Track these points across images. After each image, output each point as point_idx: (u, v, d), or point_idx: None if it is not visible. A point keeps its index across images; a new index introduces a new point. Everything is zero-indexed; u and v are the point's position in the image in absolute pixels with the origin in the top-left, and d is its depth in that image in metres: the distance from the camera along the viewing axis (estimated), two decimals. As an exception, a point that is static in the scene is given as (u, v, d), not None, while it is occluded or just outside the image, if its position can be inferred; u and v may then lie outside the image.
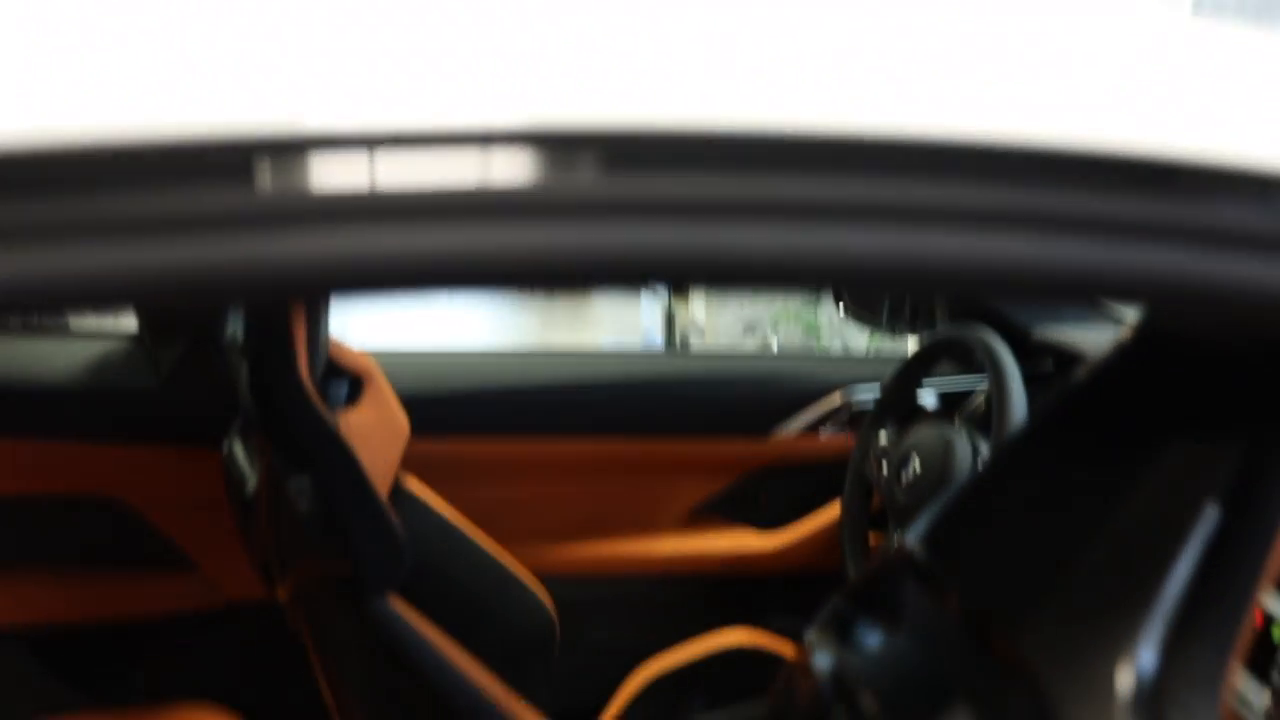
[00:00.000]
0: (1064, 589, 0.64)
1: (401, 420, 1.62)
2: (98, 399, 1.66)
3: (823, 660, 0.83)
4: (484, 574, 1.64)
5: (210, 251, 0.44)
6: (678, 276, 0.46)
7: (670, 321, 6.94)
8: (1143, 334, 0.71)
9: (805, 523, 2.06)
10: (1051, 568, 0.65)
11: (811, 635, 0.90)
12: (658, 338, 7.17)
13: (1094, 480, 0.67)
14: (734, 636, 1.97)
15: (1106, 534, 0.64)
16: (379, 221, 0.44)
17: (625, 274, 0.46)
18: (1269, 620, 1.25)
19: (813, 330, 6.16)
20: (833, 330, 6.08)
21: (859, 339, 5.80)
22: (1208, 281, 0.50)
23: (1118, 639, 0.60)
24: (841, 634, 0.89)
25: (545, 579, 1.76)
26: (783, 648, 1.98)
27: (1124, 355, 0.71)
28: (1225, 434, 0.61)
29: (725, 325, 6.48)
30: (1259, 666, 1.23)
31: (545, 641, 1.71)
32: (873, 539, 1.90)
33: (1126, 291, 0.52)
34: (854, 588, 0.90)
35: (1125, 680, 0.58)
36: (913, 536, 0.80)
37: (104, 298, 0.47)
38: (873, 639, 0.87)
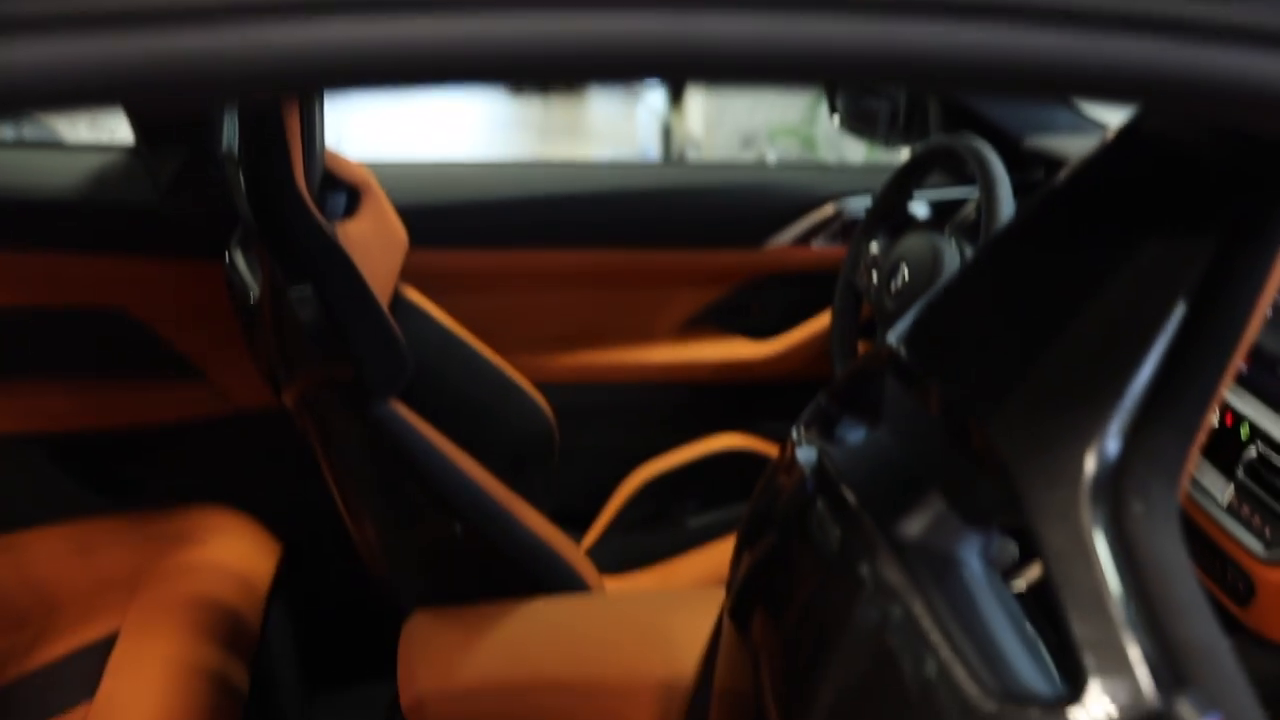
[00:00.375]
0: (1035, 381, 0.67)
1: (400, 231, 1.63)
2: (99, 211, 1.66)
3: (806, 455, 0.87)
4: (485, 381, 1.68)
5: (194, 42, 0.45)
6: (658, 69, 0.48)
7: (667, 135, 6.86)
8: (1124, 136, 0.72)
9: (796, 331, 2.10)
10: (1024, 361, 0.68)
11: (795, 432, 0.94)
12: (654, 151, 7.11)
13: (1069, 277, 0.70)
14: (726, 440, 2.04)
15: (1078, 328, 0.67)
16: (367, 12, 0.45)
17: (613, 66, 0.47)
18: (1238, 419, 1.30)
19: (809, 144, 6.10)
20: (829, 144, 6.02)
21: (855, 152, 5.75)
22: (1189, 75, 0.52)
23: (1084, 428, 0.63)
24: (824, 431, 0.94)
25: (543, 387, 1.81)
26: (773, 451, 2.05)
27: (1104, 157, 0.73)
28: (1196, 236, 0.64)
29: (722, 139, 6.41)
30: (1225, 463, 1.30)
31: (544, 447, 1.77)
32: (861, 347, 1.95)
33: (1106, 86, 0.54)
34: (837, 387, 0.94)
35: (1089, 465, 0.62)
36: (894, 336, 0.83)
37: (90, 95, 0.47)
38: (854, 435, 0.91)
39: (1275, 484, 1.21)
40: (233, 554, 1.69)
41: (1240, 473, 1.29)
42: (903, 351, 0.80)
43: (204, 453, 1.83)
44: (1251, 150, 0.63)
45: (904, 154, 2.15)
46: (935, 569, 0.71)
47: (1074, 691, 0.59)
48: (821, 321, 2.07)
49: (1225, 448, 1.30)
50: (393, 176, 1.73)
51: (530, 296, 1.98)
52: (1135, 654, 0.58)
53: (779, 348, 2.10)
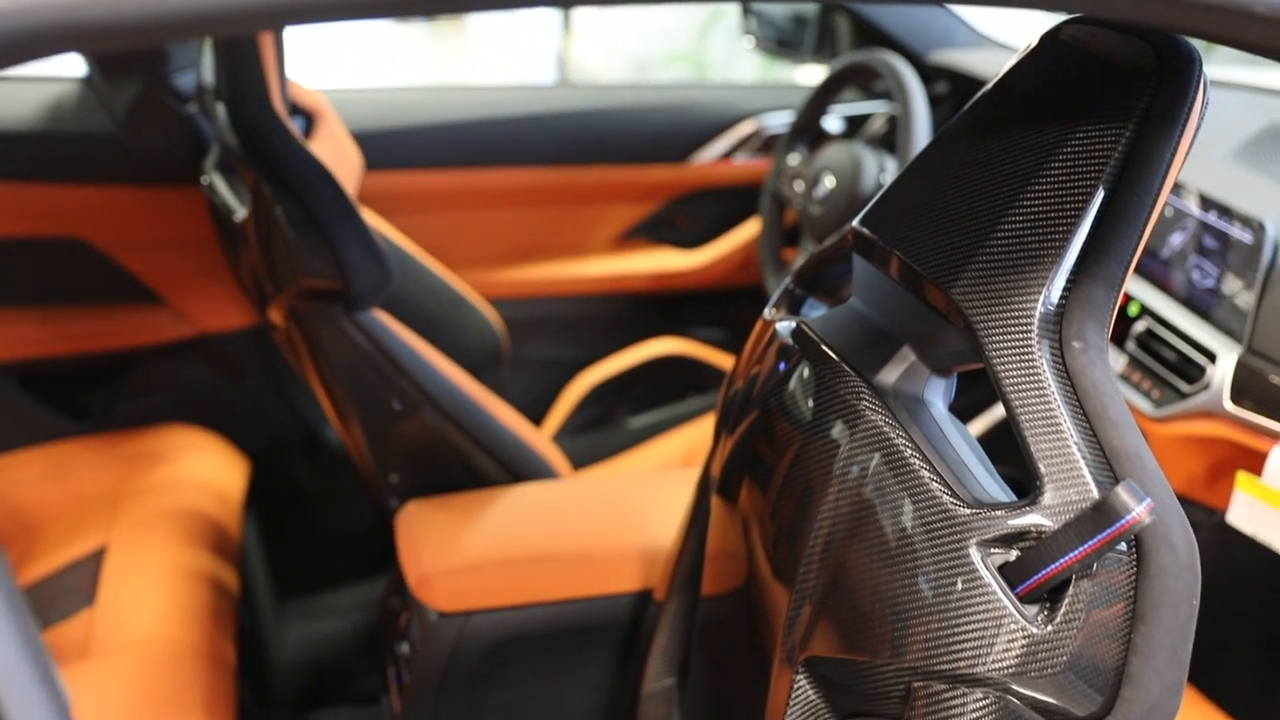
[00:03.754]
0: (987, 249, 0.81)
1: (354, 154, 1.71)
2: (55, 141, 1.70)
3: (785, 326, 1.00)
4: (439, 296, 1.78)
5: None
6: None
7: (562, 61, 6.87)
8: (1045, 43, 0.86)
9: (723, 241, 2.23)
10: (977, 235, 0.82)
11: (769, 313, 1.07)
12: (550, 78, 7.11)
13: (1009, 164, 0.83)
14: (661, 346, 2.18)
15: (1021, 206, 0.81)
16: None
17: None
18: (1128, 299, 1.48)
19: (701, 68, 6.20)
20: (720, 68, 6.13)
21: (745, 75, 5.88)
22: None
23: (1031, 285, 0.77)
24: (794, 311, 1.07)
25: (492, 301, 1.91)
26: (705, 354, 2.19)
27: (1030, 61, 0.86)
28: (1113, 125, 0.78)
29: (616, 66, 6.46)
30: (1117, 338, 1.47)
31: (496, 357, 1.88)
32: (786, 253, 2.09)
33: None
34: (802, 272, 1.07)
35: (1037, 314, 0.77)
36: (857, 221, 0.97)
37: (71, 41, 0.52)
38: (824, 308, 1.05)
39: (1160, 352, 1.39)
40: (206, 470, 1.76)
41: (1130, 345, 1.46)
42: (867, 232, 0.93)
43: (169, 375, 1.89)
44: (1157, 49, 0.77)
45: (794, 73, 2.27)
46: (910, 409, 0.85)
47: (1034, 494, 0.73)
48: (746, 231, 2.21)
49: (1117, 324, 1.48)
50: (343, 102, 1.80)
51: (477, 215, 2.07)
52: (1080, 460, 0.73)
53: (708, 258, 2.23)
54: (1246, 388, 1.24)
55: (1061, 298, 0.77)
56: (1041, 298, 0.77)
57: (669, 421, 2.15)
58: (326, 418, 1.98)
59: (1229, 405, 1.24)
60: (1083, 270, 0.77)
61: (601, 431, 2.15)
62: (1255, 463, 1.24)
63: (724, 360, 2.18)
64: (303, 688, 1.86)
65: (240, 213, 1.41)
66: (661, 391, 2.19)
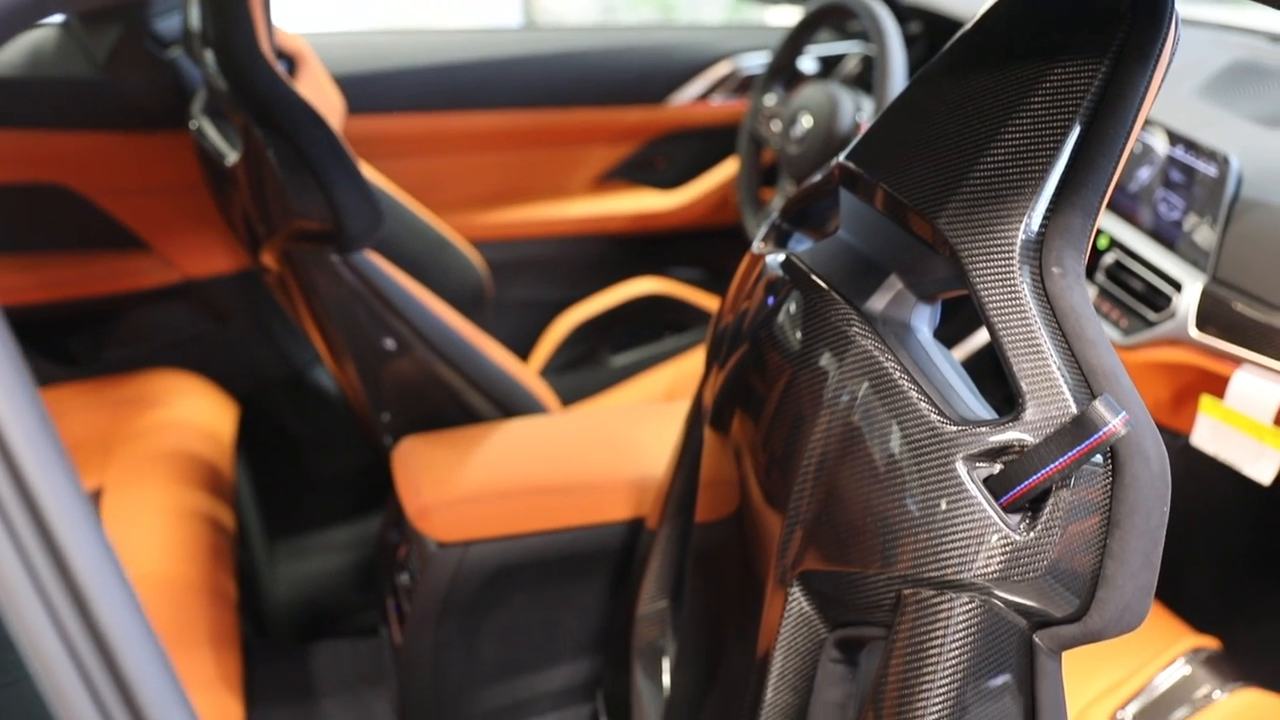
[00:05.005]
0: (970, 180, 0.85)
1: (336, 98, 1.72)
2: (36, 88, 1.69)
3: (774, 259, 1.04)
4: (424, 239, 1.80)
5: None
6: None
7: (527, 2, 6.81)
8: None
9: (700, 182, 2.27)
10: (960, 167, 0.86)
11: (757, 247, 1.11)
12: (516, 20, 7.04)
13: (991, 99, 0.87)
14: (641, 286, 2.21)
15: (1002, 138, 0.84)
16: None
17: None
18: (1098, 232, 1.53)
19: (667, 9, 6.17)
20: (686, 8, 6.10)
21: (711, 16, 5.86)
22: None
23: (1013, 213, 0.82)
24: (781, 245, 1.11)
25: (475, 243, 1.93)
26: (685, 293, 2.23)
27: (1008, 1, 0.90)
28: (1089, 60, 0.82)
29: (584, 6, 6.42)
30: (1088, 270, 1.52)
31: (480, 298, 1.91)
32: (763, 193, 2.13)
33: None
34: (789, 208, 1.10)
35: (1019, 241, 0.81)
36: (843, 156, 1.00)
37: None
38: (811, 240, 1.09)
39: (1128, 283, 1.44)
40: (196, 413, 1.79)
41: (1100, 276, 1.51)
42: (854, 166, 0.97)
43: (156, 320, 1.90)
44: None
45: (762, 15, 2.29)
46: (897, 334, 0.90)
47: (1016, 411, 0.78)
48: (723, 172, 2.24)
49: (1089, 257, 1.52)
50: (323, 46, 1.80)
51: (457, 158, 2.08)
52: (1059, 378, 0.77)
53: (686, 198, 2.26)
54: (1210, 315, 1.29)
55: (1041, 226, 0.81)
56: (1022, 226, 0.81)
57: (650, 359, 2.19)
58: (314, 360, 2.01)
59: (1194, 332, 1.30)
60: (1061, 200, 0.81)
61: (584, 370, 2.19)
62: (1218, 387, 1.29)
63: (703, 299, 2.22)
64: (299, 624, 1.91)
65: (231, 157, 1.43)
66: (642, 330, 2.23)
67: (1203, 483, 1.51)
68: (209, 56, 1.39)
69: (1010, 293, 0.81)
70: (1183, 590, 1.52)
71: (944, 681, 0.79)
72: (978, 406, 0.85)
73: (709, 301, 2.22)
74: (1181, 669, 1.38)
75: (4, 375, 0.44)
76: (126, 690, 0.44)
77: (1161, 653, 1.40)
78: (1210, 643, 1.41)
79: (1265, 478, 1.24)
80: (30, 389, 0.46)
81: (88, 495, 0.50)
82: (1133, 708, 1.35)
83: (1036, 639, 0.79)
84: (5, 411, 0.44)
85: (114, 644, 0.43)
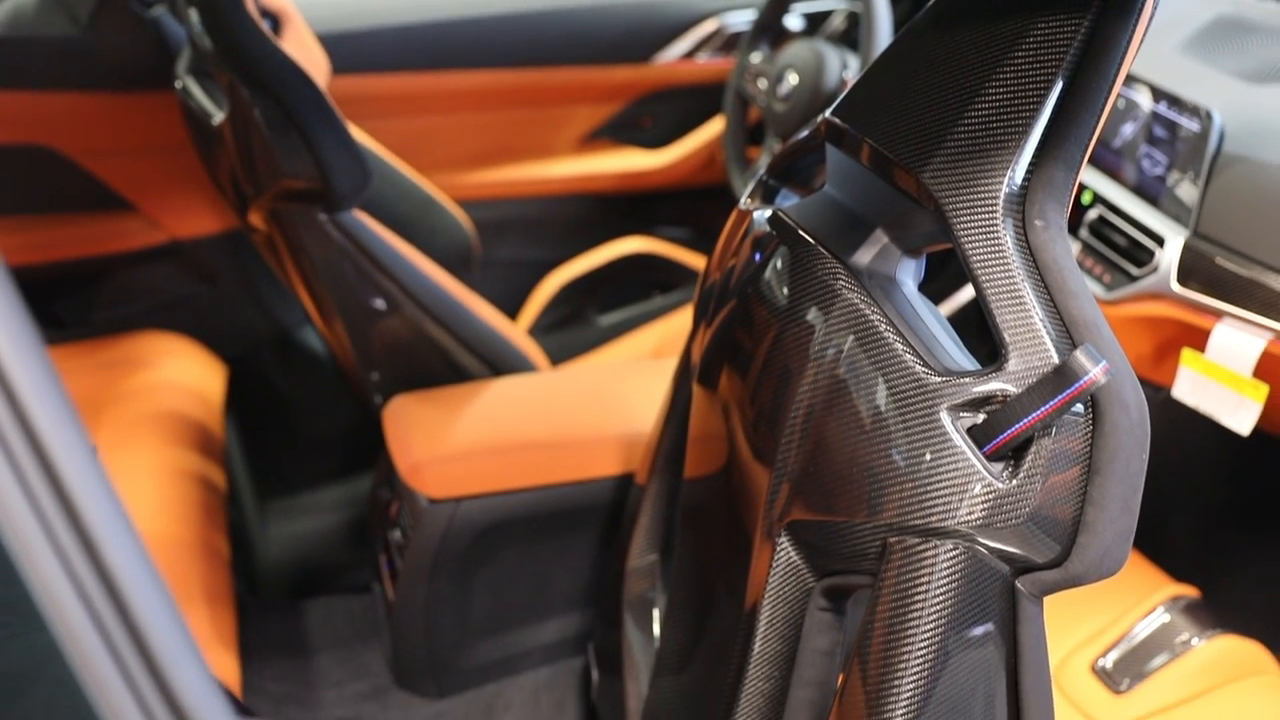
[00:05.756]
0: (954, 135, 0.86)
1: (321, 57, 1.71)
2: (18, 48, 1.68)
3: (762, 214, 1.05)
4: (411, 198, 1.80)
5: None
6: None
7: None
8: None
9: (687, 140, 2.26)
10: (944, 121, 0.87)
11: (745, 203, 1.12)
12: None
13: (974, 55, 0.88)
14: (628, 245, 2.22)
15: (986, 94, 0.85)
16: None
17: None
18: (1081, 188, 1.54)
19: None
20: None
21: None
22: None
23: (996, 168, 0.83)
24: (769, 200, 1.12)
25: (459, 203, 1.93)
26: (672, 252, 2.23)
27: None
28: (1073, 15, 0.82)
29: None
30: (1072, 226, 1.53)
31: (467, 258, 1.91)
32: (750, 151, 2.13)
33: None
34: (776, 164, 1.11)
35: (1002, 195, 0.82)
36: (829, 112, 1.01)
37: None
38: (798, 196, 1.10)
39: (1111, 238, 1.46)
40: (185, 374, 1.79)
41: (1084, 232, 1.53)
42: (840, 122, 0.98)
43: (143, 282, 1.90)
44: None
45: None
46: (883, 287, 0.91)
47: (999, 362, 0.79)
48: (709, 130, 2.24)
49: (1071, 213, 1.53)
50: (306, 4, 1.79)
51: (443, 118, 2.08)
52: (1042, 329, 0.79)
53: (672, 157, 2.26)
54: (1192, 269, 1.30)
55: (1025, 179, 0.82)
56: (1006, 179, 0.82)
57: (638, 319, 2.20)
58: (301, 321, 2.01)
59: (1176, 286, 1.31)
60: (1044, 154, 0.82)
61: (572, 330, 2.20)
62: (1199, 340, 1.31)
63: (690, 258, 2.23)
64: (290, 583, 1.92)
65: (218, 116, 1.42)
66: (629, 290, 2.24)
67: (1182, 435, 1.54)
68: (193, 15, 1.39)
69: (994, 245, 0.82)
70: (1163, 540, 1.55)
71: (929, 626, 0.81)
72: (962, 358, 0.86)
73: (696, 260, 2.23)
74: (1160, 617, 1.41)
75: (9, 328, 0.45)
76: (136, 634, 0.45)
77: (1141, 602, 1.42)
78: (1189, 591, 1.44)
79: (1244, 428, 1.26)
80: (35, 339, 0.47)
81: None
82: (1113, 655, 1.38)
83: (1019, 584, 0.81)
84: (11, 362, 0.44)
85: (123, 588, 0.44)
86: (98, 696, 0.44)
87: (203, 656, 0.48)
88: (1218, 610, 1.42)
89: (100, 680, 0.43)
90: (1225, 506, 1.70)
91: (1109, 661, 1.37)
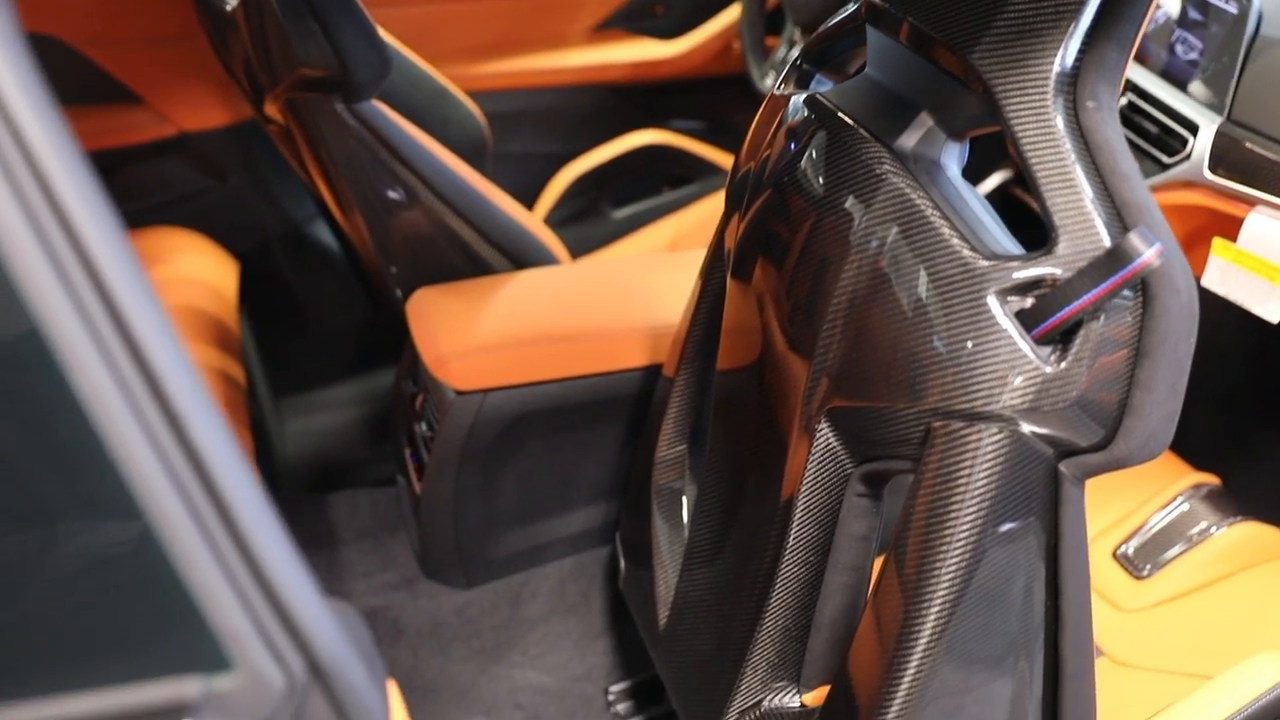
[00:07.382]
0: (1004, 14, 0.84)
1: (329, -57, 1.66)
2: (19, -65, 1.63)
3: (798, 99, 1.03)
4: (422, 87, 1.76)
5: None
6: None
7: None
8: None
9: (700, 30, 2.22)
10: (994, 2, 0.85)
11: (779, 89, 1.09)
12: None
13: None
14: (642, 137, 2.18)
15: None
16: None
17: None
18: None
19: None
20: None
21: None
22: None
23: (1048, 47, 0.81)
24: (804, 85, 1.09)
25: (470, 94, 1.90)
26: (687, 144, 2.20)
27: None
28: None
29: None
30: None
31: (480, 149, 1.88)
32: (768, 40, 2.08)
33: None
34: (810, 48, 1.09)
35: (1053, 75, 0.80)
36: (870, -7, 0.98)
37: None
38: (834, 82, 1.07)
39: (1143, 125, 1.43)
40: (198, 269, 1.78)
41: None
42: (880, 2, 0.95)
43: (152, 177, 1.87)
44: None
45: None
46: (929, 171, 0.89)
47: (1049, 245, 0.79)
48: (723, 20, 2.19)
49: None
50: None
51: (453, 6, 2.03)
52: (1093, 211, 0.78)
53: (686, 46, 2.22)
54: (1224, 156, 1.29)
55: (1077, 59, 0.81)
56: (1058, 59, 0.80)
57: (653, 211, 2.18)
58: (313, 216, 1.99)
59: (1208, 174, 1.30)
60: (1096, 32, 0.80)
61: (587, 223, 2.18)
62: (1231, 229, 1.30)
63: (705, 150, 2.20)
64: (309, 478, 1.93)
65: (231, 2, 1.39)
66: (644, 183, 2.21)
67: (1207, 325, 1.53)
68: None
69: (1044, 127, 0.81)
70: (1186, 429, 1.55)
71: (972, 508, 0.82)
72: (1008, 243, 0.85)
73: (711, 153, 2.20)
74: (1181, 505, 1.42)
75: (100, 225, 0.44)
76: (226, 515, 0.45)
77: (1163, 490, 1.44)
78: (1210, 479, 1.45)
79: (1274, 316, 1.26)
80: (123, 237, 0.46)
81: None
82: (1134, 542, 1.40)
83: (1062, 468, 0.82)
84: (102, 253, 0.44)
85: (213, 472, 0.44)
86: (190, 575, 0.44)
87: (286, 535, 0.48)
88: (1238, 497, 1.43)
89: (193, 560, 0.44)
90: (1249, 396, 1.71)
91: (1130, 548, 1.39)
